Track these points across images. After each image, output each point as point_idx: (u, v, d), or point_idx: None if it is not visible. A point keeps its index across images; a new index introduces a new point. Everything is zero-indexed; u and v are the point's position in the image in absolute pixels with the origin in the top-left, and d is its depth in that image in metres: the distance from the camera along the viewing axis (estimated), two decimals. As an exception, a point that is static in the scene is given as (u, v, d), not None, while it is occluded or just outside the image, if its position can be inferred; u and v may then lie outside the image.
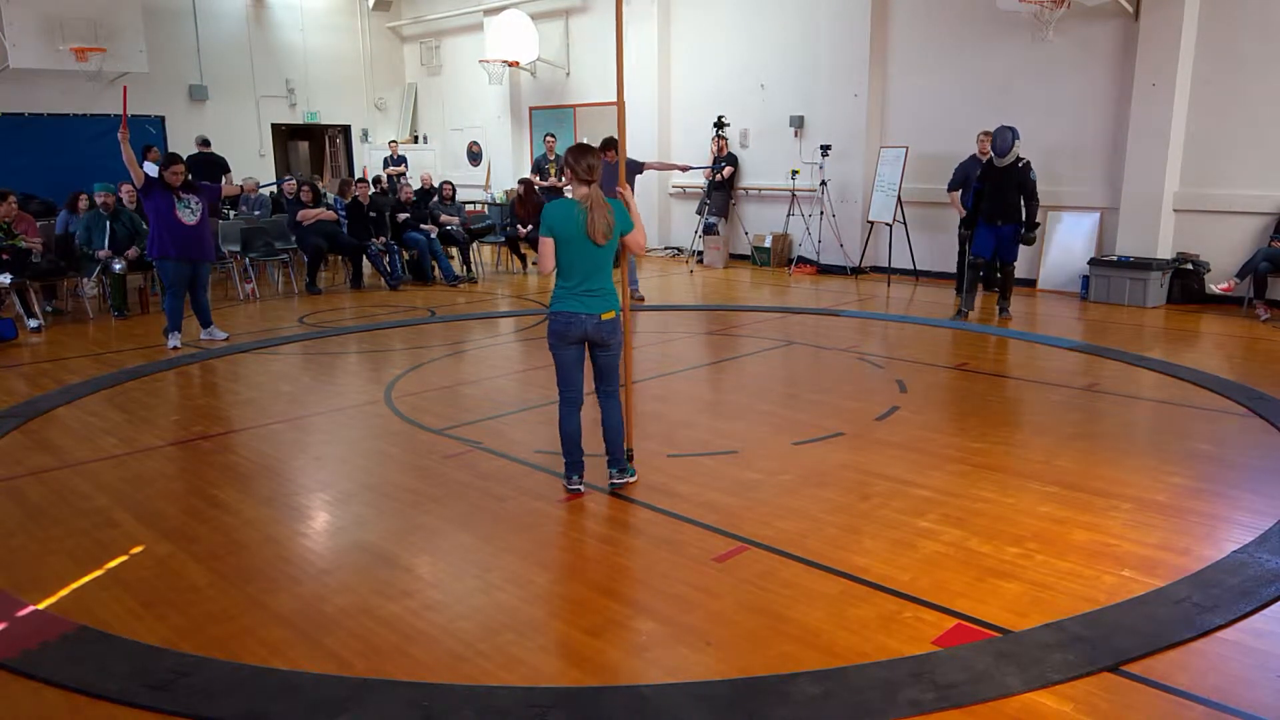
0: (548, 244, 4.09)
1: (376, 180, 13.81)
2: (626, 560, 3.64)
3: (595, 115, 15.09)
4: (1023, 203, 8.29)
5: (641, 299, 9.73)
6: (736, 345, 7.80)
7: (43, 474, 4.72)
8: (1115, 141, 9.56)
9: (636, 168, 9.52)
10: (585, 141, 4.34)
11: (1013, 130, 8.24)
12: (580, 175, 4.08)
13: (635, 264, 10.04)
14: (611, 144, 9.84)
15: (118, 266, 9.02)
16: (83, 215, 9.47)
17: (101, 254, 9.05)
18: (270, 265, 11.62)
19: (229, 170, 13.40)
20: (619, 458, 4.40)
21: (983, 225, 8.50)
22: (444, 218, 11.89)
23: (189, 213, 7.51)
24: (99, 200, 9.31)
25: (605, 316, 4.11)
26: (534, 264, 12.68)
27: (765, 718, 2.56)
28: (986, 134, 9.07)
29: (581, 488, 4.38)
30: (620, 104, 4.54)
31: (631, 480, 4.46)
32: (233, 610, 3.25)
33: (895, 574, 3.44)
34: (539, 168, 13.40)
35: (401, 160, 15.63)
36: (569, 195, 4.20)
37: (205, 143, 13.35)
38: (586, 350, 4.24)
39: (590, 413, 4.41)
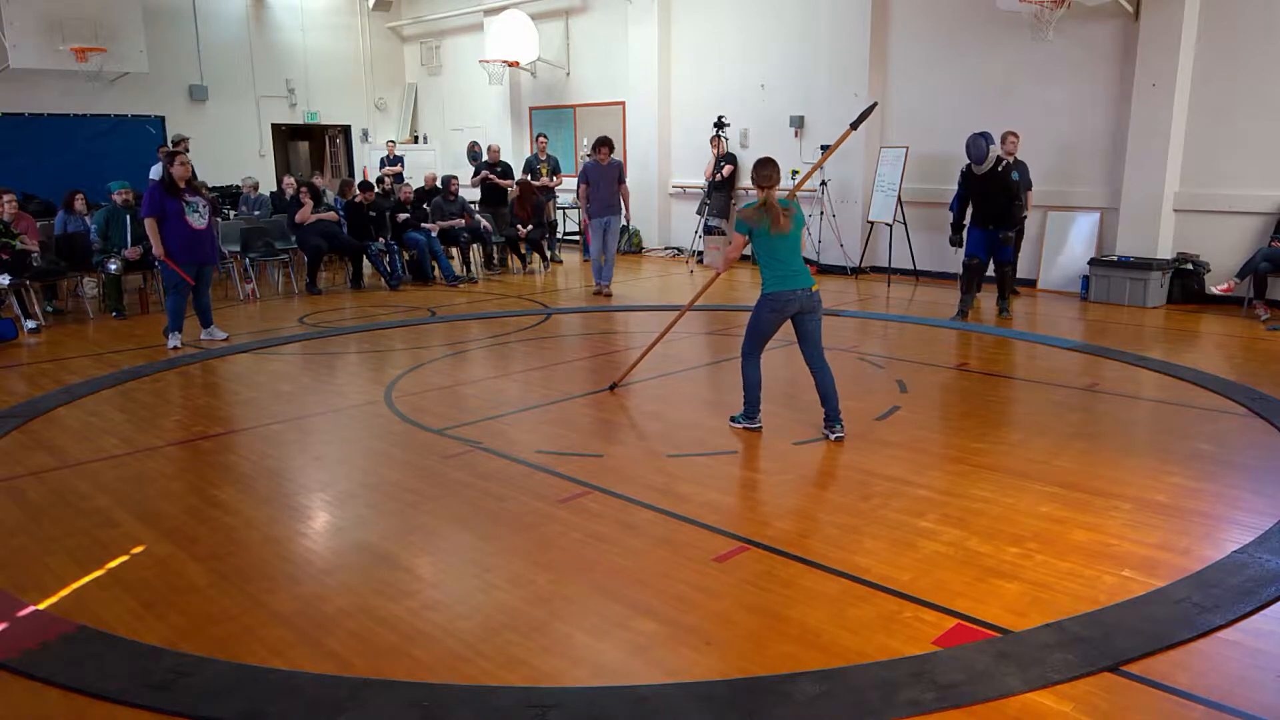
0: (739, 239, 5.00)
1: (379, 181, 13.76)
2: (626, 560, 3.63)
3: (595, 115, 15.09)
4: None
5: (608, 295, 10.09)
6: (736, 345, 7.76)
7: (43, 474, 4.72)
8: (1115, 141, 9.55)
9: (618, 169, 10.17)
10: (767, 156, 5.02)
11: (985, 136, 8.25)
12: (758, 184, 4.88)
13: (613, 261, 10.28)
14: (605, 143, 9.93)
15: (113, 267, 9.01)
16: (98, 211, 9.41)
17: (126, 252, 9.05)
18: (270, 265, 11.62)
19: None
20: (835, 415, 5.03)
21: (975, 228, 8.51)
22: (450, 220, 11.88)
23: (197, 216, 7.58)
24: (119, 198, 9.25)
25: (814, 288, 4.95)
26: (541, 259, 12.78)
27: (765, 718, 2.56)
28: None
29: (760, 425, 5.21)
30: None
31: (842, 435, 5.03)
32: (233, 610, 3.25)
33: (895, 574, 3.44)
34: (530, 168, 13.39)
35: (398, 160, 15.58)
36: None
37: (178, 141, 13.18)
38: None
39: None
